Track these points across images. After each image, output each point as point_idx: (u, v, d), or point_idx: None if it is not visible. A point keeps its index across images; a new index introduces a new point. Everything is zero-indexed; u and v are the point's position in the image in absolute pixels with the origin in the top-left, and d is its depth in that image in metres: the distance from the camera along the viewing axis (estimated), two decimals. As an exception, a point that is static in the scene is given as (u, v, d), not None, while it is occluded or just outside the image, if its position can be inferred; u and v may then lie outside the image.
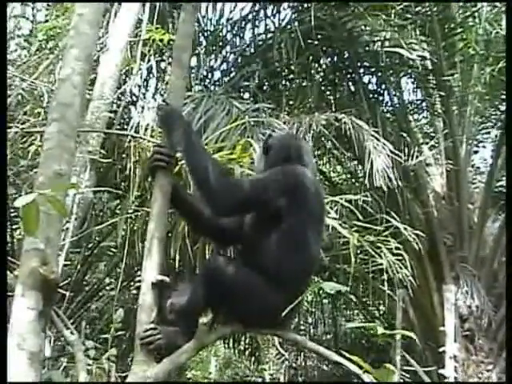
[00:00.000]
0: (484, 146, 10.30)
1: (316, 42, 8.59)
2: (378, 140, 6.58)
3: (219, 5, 9.04)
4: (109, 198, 7.22)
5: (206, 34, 9.18)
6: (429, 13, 8.14)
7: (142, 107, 7.76)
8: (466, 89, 8.86)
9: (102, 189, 6.07)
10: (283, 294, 2.81)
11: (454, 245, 8.88)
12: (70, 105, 2.68)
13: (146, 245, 2.90)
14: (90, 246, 7.87)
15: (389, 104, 9.34)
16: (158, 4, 7.30)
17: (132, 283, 7.96)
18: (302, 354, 11.48)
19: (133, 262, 6.77)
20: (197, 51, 8.81)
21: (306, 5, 8.38)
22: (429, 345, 8.17)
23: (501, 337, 8.21)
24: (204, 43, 9.14)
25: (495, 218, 9.51)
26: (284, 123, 6.51)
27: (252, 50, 9.18)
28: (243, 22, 9.07)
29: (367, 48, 8.44)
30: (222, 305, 2.88)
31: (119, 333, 4.35)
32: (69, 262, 5.57)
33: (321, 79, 9.17)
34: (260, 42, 9.07)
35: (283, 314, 2.72)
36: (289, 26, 8.57)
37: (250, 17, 9.01)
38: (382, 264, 5.92)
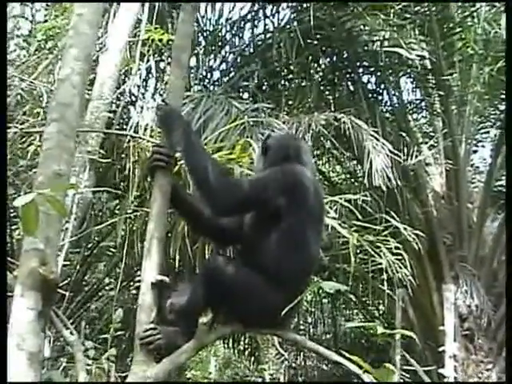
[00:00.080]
0: (483, 146, 10.31)
1: (315, 42, 8.60)
2: (377, 140, 6.58)
3: (218, 5, 9.06)
4: (108, 198, 7.22)
5: (205, 34, 9.18)
6: (428, 12, 8.14)
7: (142, 107, 7.76)
8: (465, 88, 8.86)
9: (102, 189, 6.06)
10: (283, 294, 2.81)
11: (454, 244, 8.88)
12: (70, 105, 2.67)
13: (146, 245, 2.90)
14: (89, 246, 7.87)
15: (388, 104, 9.36)
16: (157, 4, 7.30)
17: (131, 283, 7.96)
18: (302, 353, 11.48)
19: (132, 262, 6.77)
20: (196, 51, 8.82)
21: (305, 4, 8.38)
22: (428, 344, 8.17)
23: (500, 336, 8.21)
24: (203, 43, 9.14)
25: (494, 218, 9.51)
26: (283, 123, 6.50)
27: (251, 50, 9.18)
28: (242, 22, 9.08)
29: (366, 48, 8.44)
30: (221, 305, 2.88)
31: (119, 333, 4.35)
32: (68, 262, 5.57)
33: (320, 79, 9.16)
34: (259, 42, 9.08)
35: (283, 313, 2.72)
36: (288, 26, 8.56)
37: (249, 17, 9.01)
38: (381, 264, 5.92)
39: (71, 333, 3.24)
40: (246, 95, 8.60)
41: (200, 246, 5.58)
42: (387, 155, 6.47)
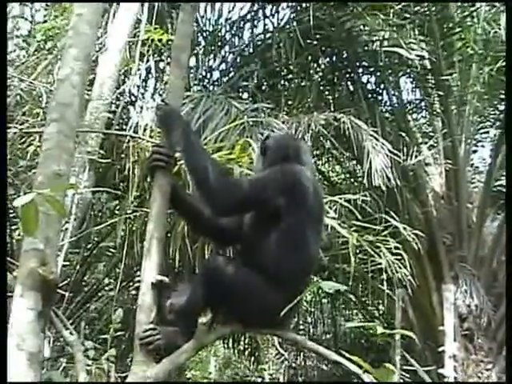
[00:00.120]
0: (483, 146, 10.33)
1: (315, 42, 8.60)
2: (376, 140, 6.58)
3: (218, 5, 9.06)
4: (108, 198, 7.21)
5: (204, 34, 9.19)
6: (427, 12, 8.15)
7: (141, 107, 7.78)
8: (465, 88, 8.87)
9: (101, 189, 6.06)
10: (282, 294, 2.81)
11: (453, 244, 8.89)
12: (69, 105, 2.67)
13: (145, 245, 2.90)
14: (89, 246, 7.87)
15: (388, 104, 9.36)
16: (156, 4, 7.30)
17: (131, 283, 7.96)
18: (302, 353, 11.48)
19: (132, 262, 6.77)
20: (195, 51, 8.82)
21: (304, 5, 8.39)
22: (428, 344, 8.17)
23: (500, 336, 8.22)
24: (203, 43, 9.15)
25: (494, 218, 9.51)
26: (283, 123, 6.50)
27: (251, 50, 9.18)
28: (242, 22, 9.08)
29: (366, 48, 8.44)
30: (221, 305, 2.88)
31: (118, 333, 4.35)
32: (68, 263, 5.57)
33: (320, 79, 9.17)
34: (259, 42, 9.08)
35: (282, 313, 2.72)
36: (287, 26, 8.57)
37: (249, 17, 9.01)
38: (381, 264, 5.92)
39: (71, 333, 3.23)
40: (245, 95, 8.61)
41: (200, 246, 5.58)
42: (387, 155, 6.47)
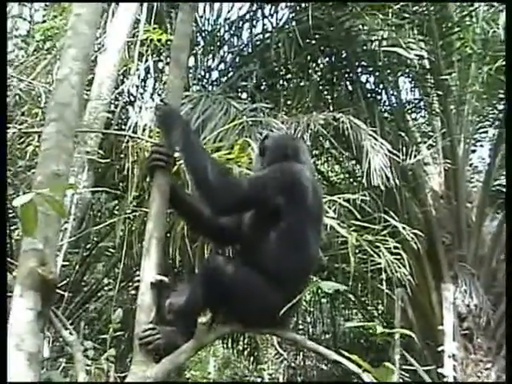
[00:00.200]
0: (482, 145, 10.34)
1: (314, 42, 8.60)
2: (375, 139, 6.58)
3: (217, 5, 9.05)
4: (107, 198, 7.21)
5: (203, 34, 9.19)
6: (426, 12, 8.16)
7: (140, 107, 7.77)
8: (464, 88, 8.87)
9: (100, 189, 6.06)
10: (282, 294, 2.81)
11: (453, 244, 8.89)
12: (68, 105, 2.67)
13: (145, 245, 2.90)
14: (88, 246, 7.87)
15: (387, 103, 9.37)
16: (155, 4, 7.30)
17: (130, 283, 7.95)
18: (301, 353, 11.48)
19: (131, 262, 6.76)
20: (194, 51, 8.82)
21: (303, 4, 8.39)
22: (427, 344, 8.17)
23: (499, 335, 8.22)
24: (202, 43, 9.15)
25: (493, 217, 9.52)
26: (282, 123, 6.50)
27: (250, 50, 9.18)
28: (241, 22, 9.08)
29: (365, 47, 8.44)
30: (220, 304, 2.88)
31: (118, 333, 4.34)
32: (67, 263, 5.56)
33: (319, 79, 9.17)
34: (258, 42, 9.08)
35: (282, 313, 2.72)
36: (286, 26, 8.57)
37: (248, 17, 9.01)
38: (380, 263, 5.91)
39: (70, 333, 3.23)
40: (244, 95, 8.61)
41: (199, 245, 5.58)
42: (386, 155, 6.47)
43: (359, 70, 9.03)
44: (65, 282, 5.42)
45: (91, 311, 8.53)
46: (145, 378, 2.63)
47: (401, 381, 3.25)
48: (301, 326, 11.30)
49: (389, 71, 8.83)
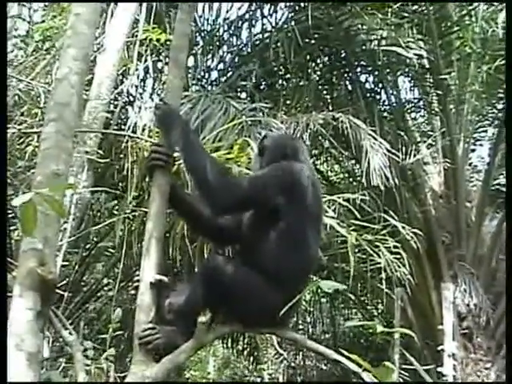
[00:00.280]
0: (481, 145, 10.33)
1: (313, 42, 8.61)
2: (375, 139, 6.59)
3: (216, 4, 9.05)
4: (106, 198, 7.21)
5: (202, 34, 9.19)
6: (425, 11, 8.17)
7: (139, 107, 7.77)
8: (463, 87, 8.88)
9: (100, 189, 6.06)
10: (282, 293, 2.80)
11: (452, 243, 8.90)
12: (68, 104, 2.67)
13: (144, 245, 2.90)
14: (87, 246, 7.87)
15: (386, 103, 9.37)
16: (154, 4, 7.30)
17: (130, 283, 7.95)
18: (301, 353, 11.49)
19: (131, 262, 6.76)
20: (194, 51, 8.82)
21: (302, 4, 8.40)
22: (427, 343, 8.18)
23: (499, 335, 8.23)
24: (201, 43, 9.15)
25: (493, 216, 9.52)
26: (281, 123, 6.50)
27: (249, 50, 9.19)
28: (240, 22, 9.08)
29: (364, 47, 8.45)
30: (220, 304, 2.87)
31: (118, 333, 4.34)
32: (67, 263, 5.56)
33: (318, 78, 9.18)
34: (257, 42, 9.08)
35: (282, 312, 2.71)
36: (285, 26, 8.58)
37: (247, 16, 9.01)
38: (380, 263, 5.91)
39: (70, 333, 3.23)
40: (243, 95, 8.61)
41: (199, 245, 5.58)
42: (385, 154, 6.48)
43: (358, 69, 9.04)
44: (64, 281, 5.41)
45: (91, 311, 8.54)
46: (144, 378, 2.62)
47: (401, 380, 3.25)
48: (301, 326, 11.31)
49: (388, 71, 8.84)
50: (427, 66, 8.64)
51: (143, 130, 5.94)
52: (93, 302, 8.54)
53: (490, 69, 8.47)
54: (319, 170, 9.68)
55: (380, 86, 9.17)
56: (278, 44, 8.22)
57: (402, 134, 8.83)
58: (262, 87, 9.01)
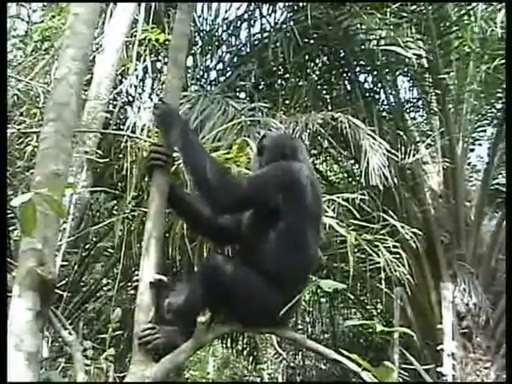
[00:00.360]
0: (480, 144, 10.32)
1: (312, 41, 8.62)
2: (374, 139, 6.59)
3: (215, 4, 9.05)
4: (106, 198, 7.20)
5: (201, 34, 9.18)
6: (424, 11, 8.16)
7: (139, 107, 7.77)
8: (462, 87, 8.87)
9: (99, 189, 6.06)
10: (282, 293, 2.80)
11: (452, 243, 8.89)
12: (67, 104, 2.66)
13: (144, 244, 2.90)
14: (87, 246, 7.87)
15: (385, 102, 9.37)
16: (153, 4, 7.30)
17: (129, 283, 7.95)
18: (300, 353, 11.49)
19: (130, 262, 6.76)
20: (193, 51, 8.81)
21: (301, 4, 8.40)
22: (427, 343, 8.18)
23: (499, 334, 8.23)
24: (200, 43, 9.14)
25: (492, 216, 9.53)
26: (280, 122, 6.50)
27: (248, 50, 9.19)
28: (239, 22, 9.08)
29: (363, 47, 8.45)
30: (220, 304, 2.87)
31: (117, 333, 4.33)
32: (66, 263, 5.56)
33: (317, 78, 9.18)
34: (256, 42, 9.08)
35: (281, 312, 2.71)
36: (284, 25, 8.57)
37: (246, 16, 9.01)
38: (379, 262, 5.92)
39: (69, 333, 3.22)
40: (242, 95, 8.60)
41: (198, 245, 5.58)
42: (384, 154, 6.48)
43: (357, 69, 9.04)
44: (64, 281, 5.42)
45: (90, 311, 8.53)
46: (144, 378, 2.62)
47: (400, 380, 3.25)
48: (300, 326, 11.31)
49: (387, 70, 8.85)
50: (426, 66, 8.65)
51: (142, 129, 5.94)
52: (92, 301, 8.54)
53: (488, 68, 8.46)
54: (318, 169, 9.68)
55: (379, 85, 9.18)
56: (277, 44, 8.21)
57: (401, 133, 8.83)
58: (260, 87, 9.01)
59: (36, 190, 2.12)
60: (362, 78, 9.21)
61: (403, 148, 7.47)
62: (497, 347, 8.21)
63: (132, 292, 7.62)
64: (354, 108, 8.24)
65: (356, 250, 6.18)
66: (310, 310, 11.52)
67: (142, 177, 5.72)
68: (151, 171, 3.00)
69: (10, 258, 2.96)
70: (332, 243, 6.54)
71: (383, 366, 2.32)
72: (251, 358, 10.64)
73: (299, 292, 2.82)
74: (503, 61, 7.54)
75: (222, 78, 9.04)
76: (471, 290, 8.30)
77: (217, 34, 9.22)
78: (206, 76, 9.21)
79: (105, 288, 8.79)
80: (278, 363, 12.57)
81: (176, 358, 2.74)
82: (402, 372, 4.41)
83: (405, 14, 8.39)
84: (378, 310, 11.00)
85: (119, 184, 6.86)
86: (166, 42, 6.34)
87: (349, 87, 9.08)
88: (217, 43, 9.22)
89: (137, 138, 5.55)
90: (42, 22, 7.16)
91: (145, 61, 7.04)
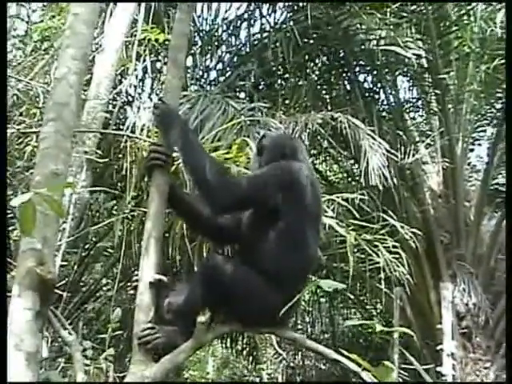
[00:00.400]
0: (480, 144, 10.33)
1: (311, 41, 8.62)
2: (373, 139, 6.59)
3: (215, 4, 9.05)
4: (105, 198, 7.19)
5: (201, 34, 9.19)
6: (424, 11, 8.16)
7: (138, 107, 7.77)
8: (462, 87, 8.88)
9: (99, 189, 6.05)
10: (281, 293, 2.81)
11: (451, 243, 8.90)
12: (66, 104, 2.66)
13: (143, 244, 2.90)
14: (86, 246, 7.86)
15: (385, 102, 9.37)
16: (153, 4, 7.30)
17: (129, 283, 7.95)
18: (300, 353, 11.49)
19: (130, 262, 6.75)
20: (192, 51, 8.81)
21: (301, 4, 8.40)
22: (426, 343, 8.18)
23: (498, 334, 8.23)
24: (200, 43, 9.14)
25: (492, 216, 9.53)
26: (280, 122, 6.50)
27: (247, 50, 9.19)
28: (239, 22, 9.08)
29: (363, 47, 8.46)
30: (219, 304, 2.87)
31: (117, 333, 4.33)
32: (66, 263, 5.55)
33: (316, 78, 9.18)
34: (255, 42, 9.08)
35: (281, 312, 2.71)
36: (284, 25, 8.57)
37: (246, 16, 9.01)
38: (379, 262, 5.92)
39: (69, 333, 3.22)
40: (242, 95, 8.60)
41: (198, 245, 5.58)
42: (384, 154, 6.48)
43: (357, 69, 9.04)
44: (63, 281, 5.41)
45: (90, 311, 8.53)
46: (144, 378, 2.62)
47: (400, 380, 3.25)
48: (300, 326, 11.31)
49: (387, 70, 8.85)
50: (426, 66, 8.65)
51: (142, 129, 5.94)
52: (92, 301, 8.54)
53: (488, 68, 8.47)
54: (318, 169, 9.68)
55: (379, 85, 9.18)
56: (277, 44, 8.22)
57: (401, 133, 8.84)
58: (260, 87, 9.01)
59: (36, 189, 2.12)
60: (361, 77, 9.24)
61: (403, 148, 7.48)
62: (496, 347, 8.21)
63: (132, 292, 7.62)
64: (354, 108, 8.24)
65: (356, 250, 6.18)
66: (310, 309, 11.52)
67: (142, 177, 5.72)
68: (151, 171, 3.00)
69: (9, 257, 2.97)
70: (332, 243, 6.55)
71: (383, 366, 2.32)
72: (251, 358, 10.65)
73: (299, 292, 2.82)
74: (503, 61, 7.55)
75: (221, 78, 9.05)
76: (471, 290, 8.30)
77: (216, 33, 9.23)
78: (205, 76, 9.22)
79: (104, 288, 8.79)
80: (277, 363, 12.57)
81: (176, 358, 2.74)
82: (402, 372, 4.41)
83: (405, 14, 8.39)
84: (378, 310, 11.00)
85: (119, 184, 6.86)
86: (166, 42, 6.33)
87: (348, 87, 9.09)
88: (216, 43, 9.22)
89: (136, 137, 5.55)
90: (42, 21, 7.16)
91: (144, 61, 7.04)
